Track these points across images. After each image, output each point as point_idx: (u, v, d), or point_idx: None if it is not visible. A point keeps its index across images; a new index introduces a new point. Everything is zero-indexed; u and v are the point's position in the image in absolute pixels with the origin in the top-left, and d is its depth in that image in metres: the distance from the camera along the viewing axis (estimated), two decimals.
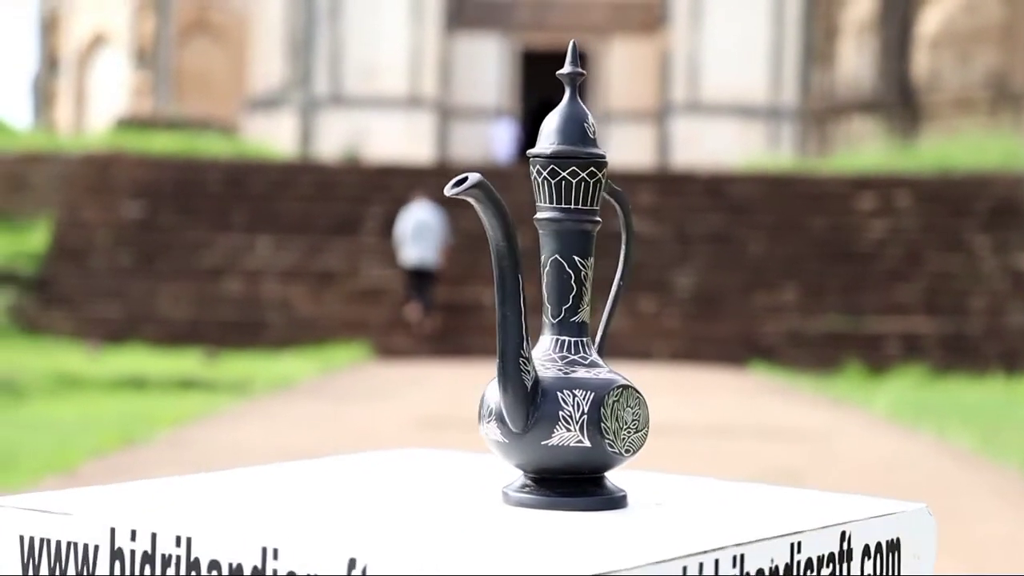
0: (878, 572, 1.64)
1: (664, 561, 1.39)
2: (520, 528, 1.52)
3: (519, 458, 1.62)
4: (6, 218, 23.15)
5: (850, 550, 1.60)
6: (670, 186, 22.72)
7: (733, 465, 9.42)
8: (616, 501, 1.63)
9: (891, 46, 32.15)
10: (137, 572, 1.50)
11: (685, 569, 1.41)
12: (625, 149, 34.01)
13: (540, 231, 1.67)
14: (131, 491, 1.68)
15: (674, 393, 14.91)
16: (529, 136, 32.31)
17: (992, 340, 19.09)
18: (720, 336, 19.35)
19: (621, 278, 1.75)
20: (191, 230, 21.37)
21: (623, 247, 1.77)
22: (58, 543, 1.54)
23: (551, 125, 1.66)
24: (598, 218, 1.66)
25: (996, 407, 14.34)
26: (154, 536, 1.50)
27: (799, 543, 1.54)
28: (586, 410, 1.58)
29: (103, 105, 38.74)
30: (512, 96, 35.58)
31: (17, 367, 14.76)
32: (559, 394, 1.59)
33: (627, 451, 1.61)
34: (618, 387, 1.61)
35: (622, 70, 35.30)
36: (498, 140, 34.03)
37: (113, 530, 1.52)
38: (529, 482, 1.63)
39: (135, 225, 21.55)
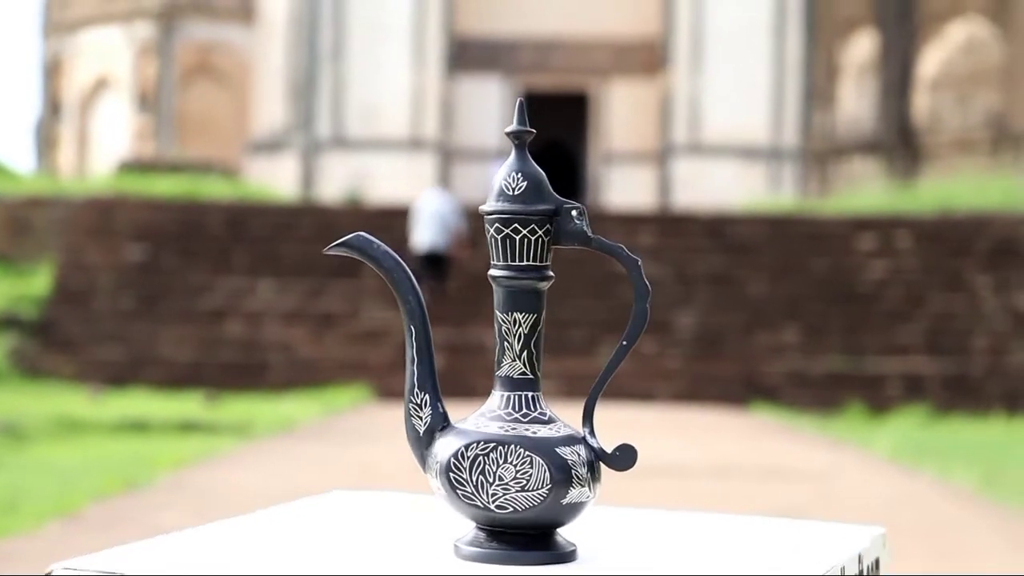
0: None
1: None
2: None
3: None
4: (8, 262, 23.19)
5: None
6: (671, 227, 22.75)
7: (733, 506, 9.41)
8: (563, 556, 1.63)
9: (891, 87, 32.25)
10: None
11: None
12: (626, 190, 34.10)
13: None
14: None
15: (676, 434, 14.91)
16: None
17: (994, 380, 19.08)
18: (721, 376, 19.34)
19: (626, 338, 1.69)
20: (193, 273, 21.40)
21: (634, 305, 1.70)
22: None
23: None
24: (523, 275, 1.67)
25: (998, 447, 14.33)
26: None
27: None
28: (440, 459, 1.63)
29: (105, 149, 38.86)
30: None
31: (19, 411, 14.76)
32: (437, 442, 1.65)
33: (502, 509, 1.60)
34: (488, 442, 1.62)
35: (623, 112, 35.37)
36: None
37: None
38: (480, 534, 1.65)
39: (137, 268, 21.59)
